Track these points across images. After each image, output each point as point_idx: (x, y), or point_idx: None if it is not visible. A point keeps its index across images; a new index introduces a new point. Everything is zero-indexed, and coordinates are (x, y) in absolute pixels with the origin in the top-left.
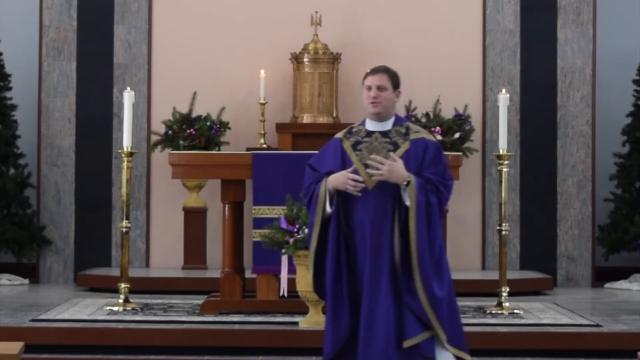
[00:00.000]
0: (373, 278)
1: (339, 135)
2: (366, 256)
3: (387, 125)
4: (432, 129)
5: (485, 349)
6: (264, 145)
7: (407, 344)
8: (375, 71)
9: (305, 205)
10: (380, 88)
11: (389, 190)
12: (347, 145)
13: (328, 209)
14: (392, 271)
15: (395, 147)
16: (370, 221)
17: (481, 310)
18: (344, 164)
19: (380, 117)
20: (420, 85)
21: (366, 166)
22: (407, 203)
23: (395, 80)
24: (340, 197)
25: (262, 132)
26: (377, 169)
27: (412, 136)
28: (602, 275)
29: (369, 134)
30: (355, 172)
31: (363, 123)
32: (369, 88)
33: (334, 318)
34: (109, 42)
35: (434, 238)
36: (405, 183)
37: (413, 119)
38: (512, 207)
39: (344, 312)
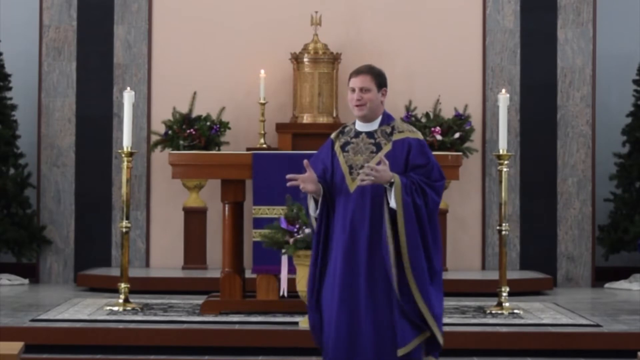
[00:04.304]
0: (348, 282)
1: (333, 135)
2: (338, 259)
3: (374, 125)
4: (432, 129)
5: (485, 349)
6: (264, 145)
7: (401, 352)
8: (358, 72)
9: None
10: (363, 90)
11: (367, 193)
12: (337, 147)
13: (312, 213)
14: (369, 275)
15: (378, 148)
16: (349, 225)
17: (481, 310)
18: (333, 165)
19: (366, 118)
20: (420, 85)
21: (350, 167)
22: (392, 205)
23: (379, 80)
24: (328, 201)
25: (262, 132)
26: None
27: (395, 137)
28: (602, 275)
29: (357, 134)
30: (324, 171)
31: (355, 122)
32: (353, 90)
33: (311, 322)
34: (109, 42)
35: (429, 245)
36: (388, 184)
37: (413, 119)
38: (512, 207)
39: (315, 316)
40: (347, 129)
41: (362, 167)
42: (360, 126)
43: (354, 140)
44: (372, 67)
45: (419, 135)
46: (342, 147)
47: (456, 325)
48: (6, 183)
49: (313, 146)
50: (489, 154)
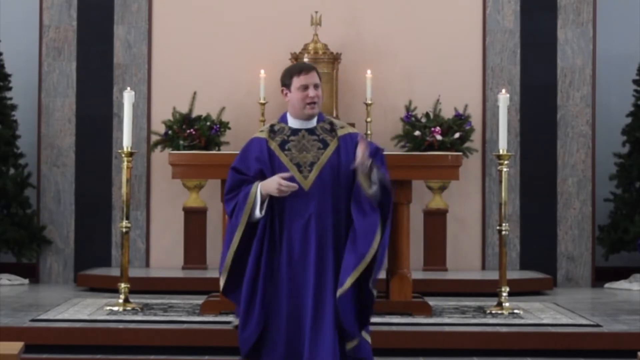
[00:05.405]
0: (318, 280)
1: (262, 135)
2: (310, 259)
3: (312, 122)
4: (432, 129)
5: (485, 349)
6: None
7: (349, 345)
8: (308, 69)
9: (228, 211)
10: (317, 86)
11: (327, 190)
12: (274, 146)
13: (257, 213)
14: (335, 274)
15: (325, 144)
16: (313, 223)
17: (481, 310)
18: (273, 165)
19: (312, 116)
20: (420, 85)
21: (299, 165)
22: (370, 191)
23: (320, 77)
24: (274, 200)
25: None
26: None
27: (339, 132)
28: (602, 275)
29: (295, 132)
30: (262, 171)
31: (283, 120)
32: (305, 87)
33: (244, 319)
34: (109, 42)
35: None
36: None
37: (413, 119)
38: (512, 207)
39: (253, 315)
40: (276, 127)
41: (312, 163)
42: (296, 124)
43: (293, 138)
44: (313, 64)
45: (357, 131)
46: (281, 146)
47: (456, 325)
48: (6, 183)
49: None
50: (489, 154)
